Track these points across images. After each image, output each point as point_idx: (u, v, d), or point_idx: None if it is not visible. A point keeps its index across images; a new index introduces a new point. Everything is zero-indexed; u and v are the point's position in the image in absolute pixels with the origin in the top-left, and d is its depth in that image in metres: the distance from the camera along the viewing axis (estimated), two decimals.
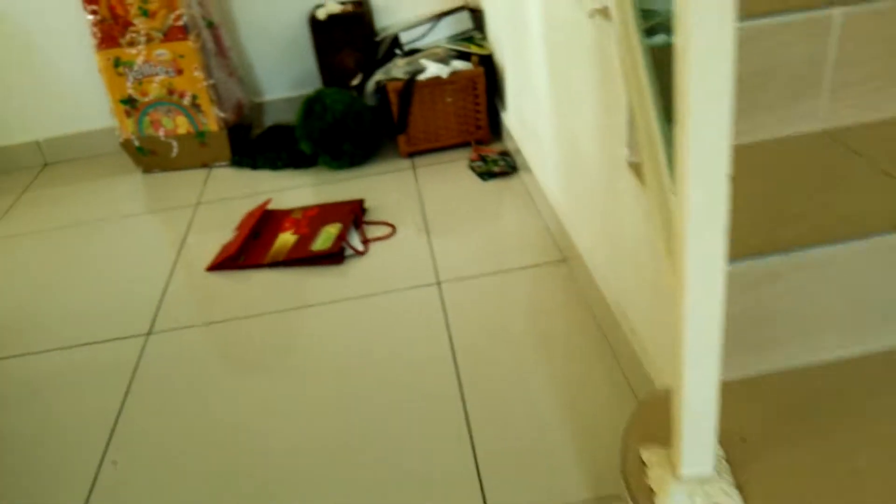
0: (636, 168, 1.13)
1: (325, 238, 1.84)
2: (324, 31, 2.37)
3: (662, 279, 1.07)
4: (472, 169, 2.15)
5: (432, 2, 2.51)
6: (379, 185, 2.13)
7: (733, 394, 0.96)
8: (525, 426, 1.26)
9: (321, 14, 2.34)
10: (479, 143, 2.28)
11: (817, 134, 1.15)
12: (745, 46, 1.08)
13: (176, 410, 1.41)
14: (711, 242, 0.66)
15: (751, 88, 1.11)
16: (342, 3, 2.41)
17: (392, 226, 1.91)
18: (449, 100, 2.19)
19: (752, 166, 1.08)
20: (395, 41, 2.35)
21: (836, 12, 1.07)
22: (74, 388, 1.51)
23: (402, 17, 2.53)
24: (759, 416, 0.94)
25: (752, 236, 0.94)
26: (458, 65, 2.19)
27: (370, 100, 2.32)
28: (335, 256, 1.78)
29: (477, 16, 2.39)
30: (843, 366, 1.00)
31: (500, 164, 2.12)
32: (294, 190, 2.18)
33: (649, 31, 0.94)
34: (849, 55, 1.10)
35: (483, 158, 2.17)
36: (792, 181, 1.04)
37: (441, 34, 2.34)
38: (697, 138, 0.60)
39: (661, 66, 0.97)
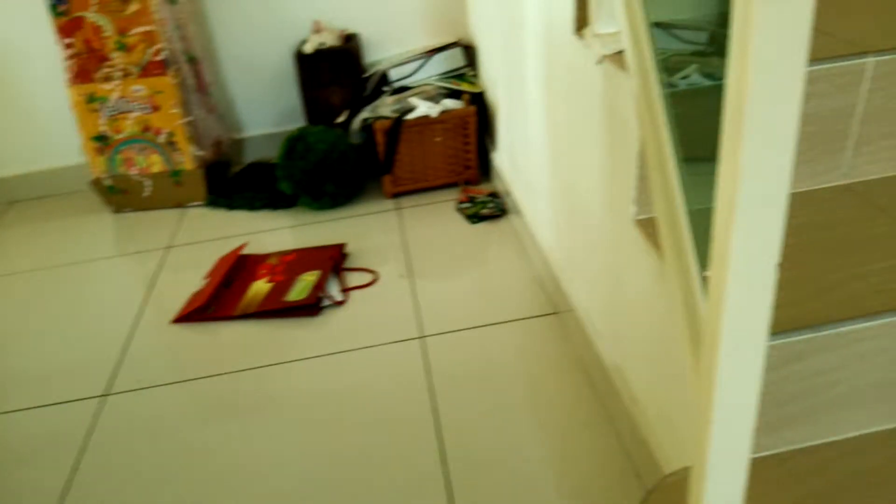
0: (644, 226, 1.02)
1: (301, 287, 1.71)
2: (310, 66, 2.26)
3: (677, 359, 0.95)
4: (460, 211, 2.03)
5: (424, 38, 2.42)
6: (361, 228, 2.02)
7: (754, 474, 0.84)
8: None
9: (308, 48, 2.24)
10: (468, 183, 2.17)
11: (840, 189, 1.04)
12: None
13: (134, 487, 1.27)
14: (751, 339, 0.54)
15: None
16: (331, 38, 2.31)
17: (374, 273, 1.79)
18: (438, 139, 2.09)
19: None
20: (383, 78, 2.25)
21: (870, 62, 0.97)
22: (20, 460, 1.37)
23: (393, 52, 2.44)
24: (783, 497, 0.82)
25: (777, 310, 0.82)
26: (449, 103, 2.09)
27: (356, 137, 2.21)
28: (310, 308, 1.65)
29: (469, 52, 2.29)
30: (870, 442, 0.88)
31: (489, 207, 2.00)
32: (272, 232, 2.06)
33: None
34: (878, 107, 0.99)
35: (472, 199, 2.05)
36: (818, 245, 0.93)
37: (432, 71, 2.24)
38: (745, 213, 0.49)
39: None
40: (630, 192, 1.03)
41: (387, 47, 2.43)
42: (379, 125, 2.05)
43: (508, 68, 1.78)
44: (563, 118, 1.35)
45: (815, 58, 0.96)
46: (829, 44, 1.00)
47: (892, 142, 1.03)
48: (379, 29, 2.41)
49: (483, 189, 2.13)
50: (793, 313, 0.81)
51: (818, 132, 1.01)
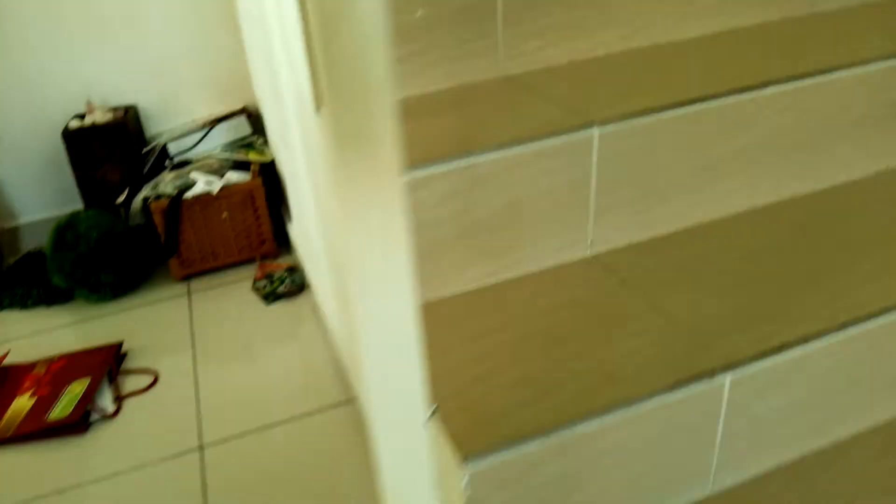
0: None
1: (67, 401, 1.52)
2: (80, 145, 2.07)
3: None
4: (256, 290, 1.91)
5: (209, 106, 2.29)
6: (147, 319, 1.84)
7: None
8: None
9: (72, 124, 2.06)
10: (266, 257, 2.05)
11: (586, 262, 1.02)
12: (504, 177, 0.93)
13: None
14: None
15: (507, 223, 0.96)
16: (106, 111, 2.13)
17: (155, 373, 1.62)
18: (224, 215, 1.96)
19: (509, 315, 0.92)
20: (164, 152, 2.10)
21: (595, 133, 0.95)
22: None
23: (177, 123, 2.29)
24: None
25: (507, 416, 0.77)
26: (234, 176, 1.97)
27: (138, 218, 2.04)
28: (76, 426, 1.47)
29: (257, 120, 2.19)
30: None
31: (286, 283, 1.89)
32: (47, 333, 1.85)
33: None
34: (610, 175, 0.98)
35: (269, 276, 1.94)
36: (557, 330, 0.89)
37: (217, 141, 2.11)
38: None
39: None
40: None
41: (170, 118, 2.28)
42: (155, 206, 1.89)
43: (283, 138, 1.69)
44: (323, 192, 1.27)
45: (543, 132, 0.94)
46: (556, 116, 0.98)
47: (630, 209, 1.02)
48: (160, 99, 2.26)
49: (282, 263, 2.01)
50: (526, 417, 0.76)
51: (558, 207, 0.98)
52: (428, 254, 0.94)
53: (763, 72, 1.07)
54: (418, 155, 0.92)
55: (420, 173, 0.90)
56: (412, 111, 1.09)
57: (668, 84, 1.06)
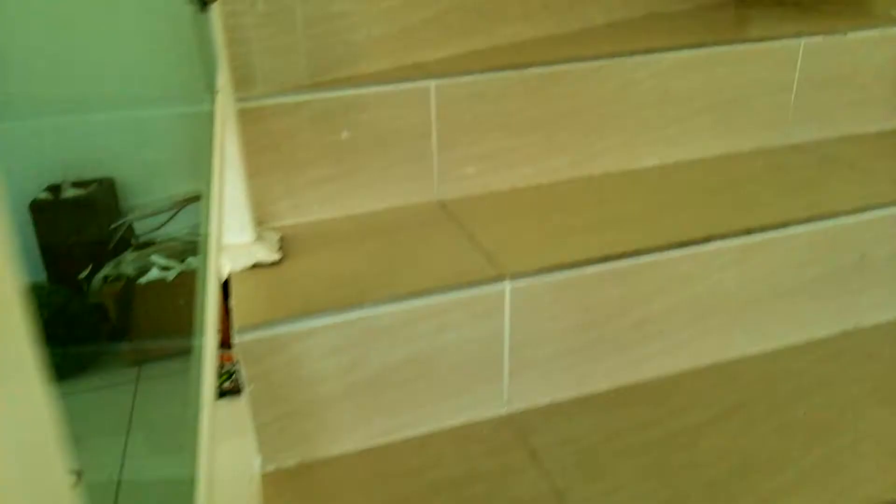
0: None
1: None
2: (47, 216, 2.03)
3: None
4: None
5: (189, 182, 2.25)
6: (88, 406, 1.76)
7: None
8: None
9: (41, 196, 2.02)
10: (222, 347, 1.96)
11: (499, 422, 0.92)
12: (403, 331, 0.84)
13: None
14: None
15: (406, 378, 0.87)
16: (79, 184, 2.10)
17: (78, 472, 1.52)
18: (181, 301, 1.88)
19: (389, 493, 0.82)
20: (131, 230, 2.05)
21: (507, 286, 0.86)
22: None
23: (155, 198, 2.24)
24: None
25: None
26: (195, 262, 1.91)
27: (97, 296, 1.98)
28: None
29: None
30: None
31: (232, 378, 1.80)
32: None
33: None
34: (529, 331, 0.89)
35: (219, 368, 1.85)
36: None
37: (184, 223, 2.06)
38: None
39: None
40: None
41: (147, 192, 2.24)
42: (108, 290, 1.83)
43: None
44: None
45: (448, 284, 0.85)
46: (470, 261, 0.90)
47: (553, 366, 0.93)
48: (139, 172, 2.22)
49: (234, 355, 1.92)
50: None
51: (466, 362, 0.89)
52: (309, 410, 0.85)
53: (713, 219, 0.98)
54: (302, 303, 0.84)
55: (302, 325, 0.82)
56: (325, 239, 1.01)
57: (607, 224, 0.97)
